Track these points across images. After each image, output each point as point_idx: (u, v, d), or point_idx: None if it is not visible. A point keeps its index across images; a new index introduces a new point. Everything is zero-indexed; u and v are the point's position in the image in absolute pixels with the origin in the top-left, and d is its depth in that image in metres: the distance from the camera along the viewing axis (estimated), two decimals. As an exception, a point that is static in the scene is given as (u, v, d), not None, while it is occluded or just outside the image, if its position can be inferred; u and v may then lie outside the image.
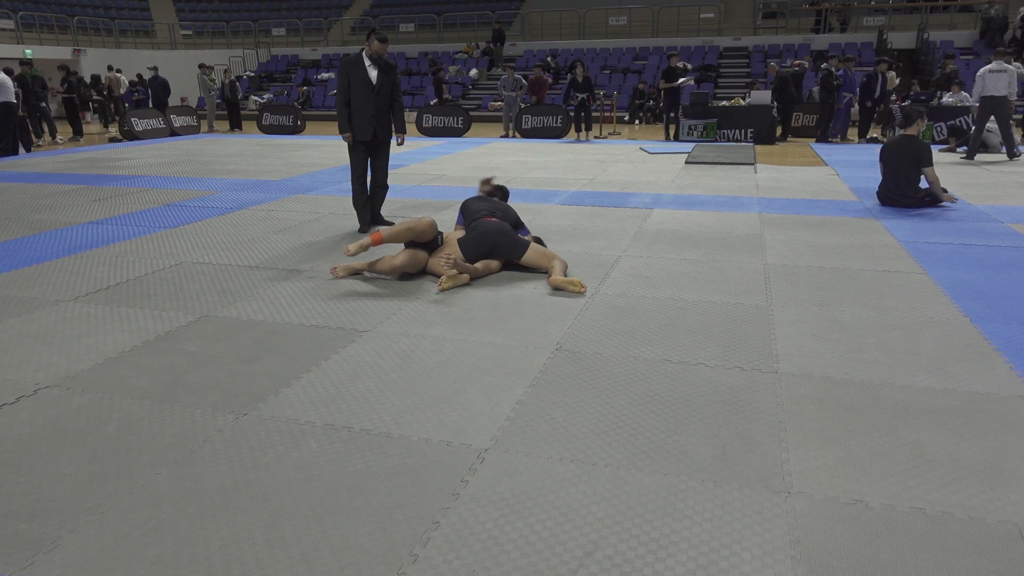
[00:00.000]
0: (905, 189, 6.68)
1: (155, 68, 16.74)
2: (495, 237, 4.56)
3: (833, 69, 12.96)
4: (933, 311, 3.88)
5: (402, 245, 4.65)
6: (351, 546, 1.99)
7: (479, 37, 24.58)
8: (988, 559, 1.92)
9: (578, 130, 14.46)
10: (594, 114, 16.01)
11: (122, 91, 18.47)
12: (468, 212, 4.83)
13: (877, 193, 7.04)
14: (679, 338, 3.52)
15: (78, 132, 15.70)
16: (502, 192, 5.29)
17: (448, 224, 6.12)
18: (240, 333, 3.64)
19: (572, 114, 14.52)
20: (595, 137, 14.75)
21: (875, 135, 13.68)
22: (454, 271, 4.25)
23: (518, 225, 4.92)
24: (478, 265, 4.49)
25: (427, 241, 4.52)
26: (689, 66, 16.00)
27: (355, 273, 4.63)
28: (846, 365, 3.18)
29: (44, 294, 4.31)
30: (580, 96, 13.96)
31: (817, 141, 13.32)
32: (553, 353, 3.34)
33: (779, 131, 13.87)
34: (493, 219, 4.69)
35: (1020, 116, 13.63)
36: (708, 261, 4.94)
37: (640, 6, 23.89)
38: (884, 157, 6.83)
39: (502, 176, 9.11)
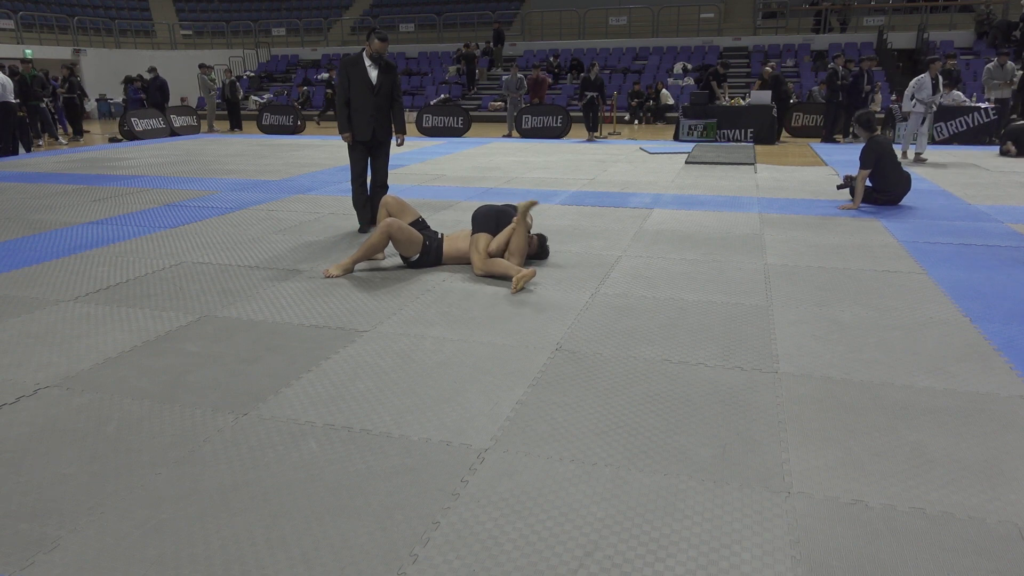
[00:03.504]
0: (888, 187, 6.79)
1: (154, 69, 16.74)
2: (490, 217, 4.76)
3: (839, 68, 12.93)
4: (933, 311, 3.88)
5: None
6: (351, 546, 1.99)
7: (479, 37, 24.57)
8: (988, 559, 1.92)
9: (588, 129, 14.45)
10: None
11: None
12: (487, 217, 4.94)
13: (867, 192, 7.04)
14: (679, 338, 3.52)
15: (78, 132, 15.71)
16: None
17: (447, 225, 6.13)
18: (240, 333, 3.64)
19: (582, 113, 14.51)
20: (596, 137, 14.75)
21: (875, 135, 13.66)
22: (525, 274, 4.27)
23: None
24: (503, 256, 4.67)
25: (411, 222, 4.81)
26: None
27: (348, 271, 4.63)
28: (846, 365, 3.18)
29: (44, 294, 4.31)
30: (589, 95, 13.98)
31: (823, 141, 13.30)
32: (553, 353, 3.34)
33: None
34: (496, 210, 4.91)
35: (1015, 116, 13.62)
36: (708, 261, 4.94)
37: (640, 6, 23.89)
38: (882, 157, 6.83)
39: (502, 176, 9.11)
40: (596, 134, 14.61)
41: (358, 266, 4.83)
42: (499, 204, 4.92)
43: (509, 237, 4.63)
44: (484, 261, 4.54)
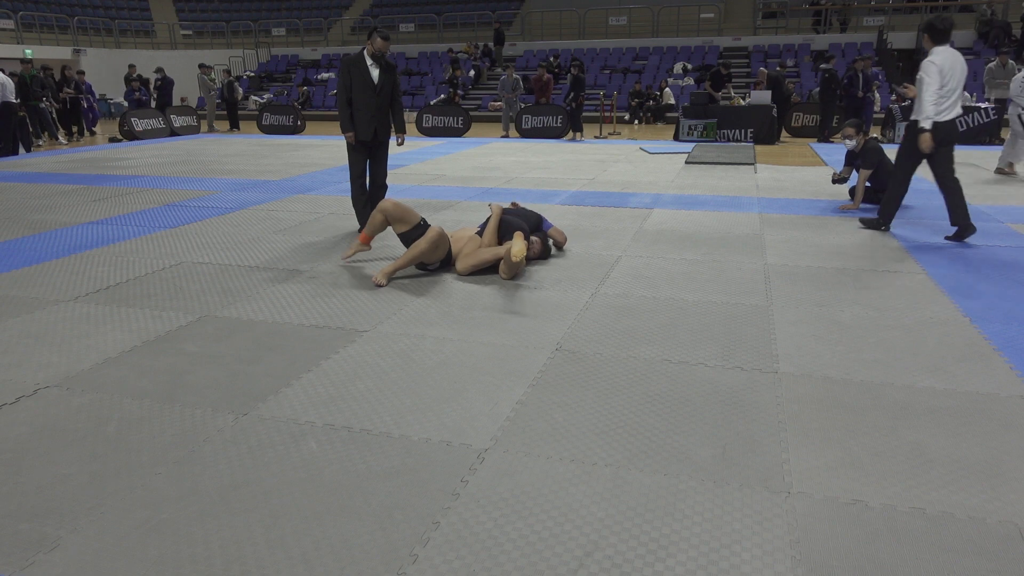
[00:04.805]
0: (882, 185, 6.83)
1: (160, 69, 16.77)
2: (512, 224, 4.84)
3: (833, 68, 12.92)
4: (933, 311, 3.88)
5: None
6: (351, 546, 1.99)
7: (479, 37, 24.58)
8: (988, 559, 1.92)
9: (574, 130, 14.49)
10: (591, 113, 16.00)
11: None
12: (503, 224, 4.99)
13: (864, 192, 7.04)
14: (679, 338, 3.52)
15: (78, 132, 15.71)
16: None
17: (447, 225, 6.13)
18: (240, 333, 3.64)
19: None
20: (595, 137, 14.74)
21: (875, 135, 13.67)
22: (522, 244, 4.33)
23: (537, 225, 5.09)
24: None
25: (413, 226, 4.60)
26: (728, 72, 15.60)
27: (392, 276, 4.55)
28: (846, 365, 3.18)
29: (44, 294, 4.31)
30: (571, 94, 14.01)
31: (819, 141, 13.30)
32: (553, 353, 3.34)
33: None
34: (514, 219, 4.93)
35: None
36: (708, 261, 4.94)
37: (640, 6, 23.89)
38: (882, 157, 6.85)
39: (502, 176, 9.11)
40: (579, 134, 14.58)
41: (357, 266, 4.84)
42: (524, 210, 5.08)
43: (492, 234, 4.70)
44: (464, 259, 4.59)
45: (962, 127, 12.62)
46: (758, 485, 2.26)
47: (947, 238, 5.51)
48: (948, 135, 5.35)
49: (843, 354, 3.30)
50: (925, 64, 5.28)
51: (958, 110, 5.35)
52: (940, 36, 5.32)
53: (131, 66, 16.81)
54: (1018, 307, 3.94)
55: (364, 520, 2.10)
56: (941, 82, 5.21)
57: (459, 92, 19.89)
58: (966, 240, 5.44)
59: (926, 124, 5.27)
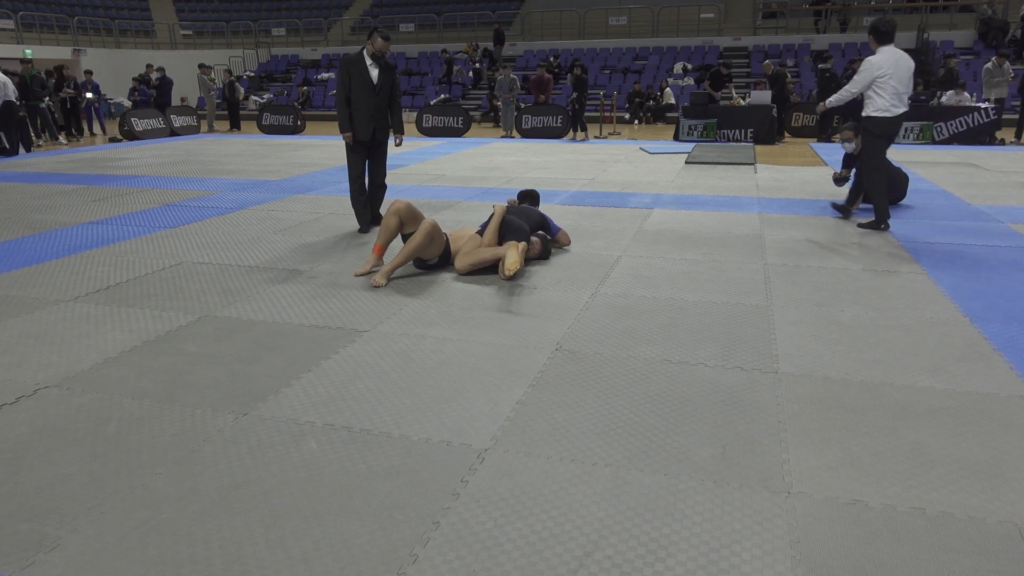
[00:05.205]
0: (888, 187, 6.83)
1: (162, 69, 16.77)
2: (516, 225, 4.85)
3: (830, 68, 12.95)
4: (933, 311, 3.88)
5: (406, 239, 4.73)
6: (351, 546, 1.99)
7: (479, 37, 24.57)
8: (988, 559, 1.92)
9: (574, 130, 14.49)
10: (591, 113, 15.96)
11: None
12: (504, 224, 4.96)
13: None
14: (679, 338, 3.52)
15: (78, 131, 15.71)
16: (532, 198, 5.57)
17: (447, 225, 6.13)
18: (240, 333, 3.64)
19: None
20: (595, 137, 14.74)
21: None
22: (516, 256, 4.30)
23: (541, 225, 5.10)
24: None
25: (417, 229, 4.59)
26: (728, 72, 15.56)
27: (391, 275, 4.54)
28: (846, 365, 3.18)
29: (44, 294, 4.31)
30: (573, 95, 14.01)
31: (819, 141, 13.31)
32: (553, 353, 3.34)
33: None
34: (515, 219, 4.91)
35: (1016, 116, 13.64)
36: (708, 261, 4.94)
37: (640, 6, 23.88)
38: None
39: (502, 176, 9.11)
40: (572, 134, 14.56)
41: (357, 266, 4.84)
42: (521, 205, 5.10)
43: (493, 234, 4.69)
44: (463, 257, 4.58)
45: (962, 127, 12.64)
46: (758, 485, 2.26)
47: (834, 205, 6.48)
48: (894, 130, 5.72)
49: (843, 354, 3.30)
50: (864, 61, 5.75)
51: (903, 108, 5.67)
52: (883, 37, 5.76)
53: (148, 66, 16.83)
54: (1018, 307, 3.94)
55: (364, 520, 2.10)
56: (871, 80, 5.60)
57: (496, 93, 19.01)
58: (883, 229, 5.85)
59: (825, 102, 6.13)
